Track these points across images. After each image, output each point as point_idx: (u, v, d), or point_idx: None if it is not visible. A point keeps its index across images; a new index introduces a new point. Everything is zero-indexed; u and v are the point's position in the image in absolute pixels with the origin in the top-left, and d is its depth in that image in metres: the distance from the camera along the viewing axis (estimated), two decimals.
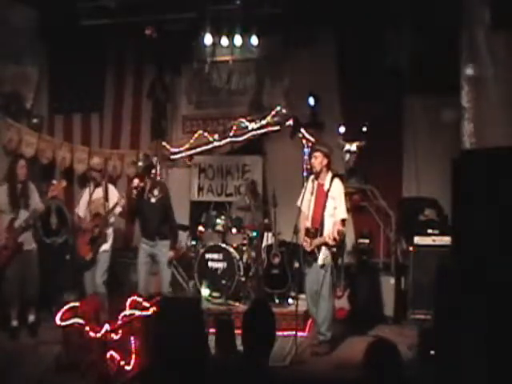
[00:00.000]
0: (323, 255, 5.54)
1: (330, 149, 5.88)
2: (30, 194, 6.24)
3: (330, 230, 5.47)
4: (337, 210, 5.58)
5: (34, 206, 6.18)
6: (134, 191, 6.20)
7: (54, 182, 6.42)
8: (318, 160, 5.66)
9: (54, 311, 5.47)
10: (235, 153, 8.19)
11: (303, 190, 5.79)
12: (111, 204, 6.27)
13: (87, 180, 6.65)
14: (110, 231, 6.34)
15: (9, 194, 6.17)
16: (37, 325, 6.26)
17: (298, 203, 5.77)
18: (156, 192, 6.27)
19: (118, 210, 6.31)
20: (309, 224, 5.65)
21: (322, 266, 5.53)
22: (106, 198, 6.28)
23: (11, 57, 7.97)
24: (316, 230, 5.57)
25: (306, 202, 5.71)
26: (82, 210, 6.39)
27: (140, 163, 6.52)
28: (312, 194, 5.70)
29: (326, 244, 5.48)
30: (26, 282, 6.19)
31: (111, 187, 6.49)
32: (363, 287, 6.79)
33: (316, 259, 5.56)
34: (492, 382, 3.33)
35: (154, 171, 6.70)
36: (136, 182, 6.20)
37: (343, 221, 5.58)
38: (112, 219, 6.35)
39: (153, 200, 6.24)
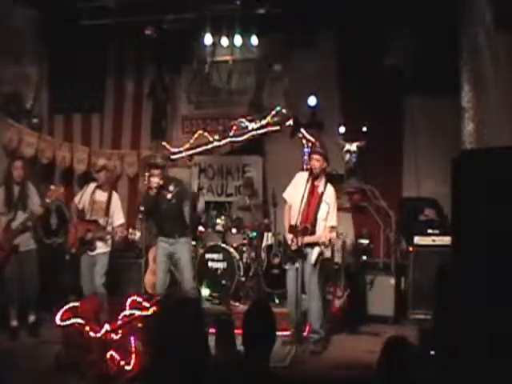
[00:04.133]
0: (316, 254, 5.61)
1: (326, 151, 5.93)
2: (28, 195, 6.20)
3: (321, 231, 5.56)
4: (329, 215, 5.66)
5: (32, 207, 6.14)
6: (153, 190, 6.02)
7: (52, 187, 6.29)
8: (319, 163, 5.74)
9: (54, 311, 5.47)
10: (235, 153, 8.19)
11: (292, 183, 5.86)
12: (116, 220, 6.24)
13: (88, 180, 6.65)
14: (107, 237, 6.31)
15: (5, 196, 6.14)
16: (37, 325, 6.26)
17: (285, 196, 5.83)
18: (171, 188, 6.10)
19: (119, 234, 6.24)
20: (296, 221, 5.64)
21: (314, 264, 5.61)
22: (107, 211, 6.23)
23: (11, 57, 7.97)
24: (306, 229, 5.61)
25: (295, 196, 5.75)
26: (83, 202, 6.29)
27: (159, 160, 6.30)
28: (304, 191, 5.69)
29: (316, 244, 5.57)
30: (25, 282, 6.19)
31: (115, 197, 6.38)
32: (363, 287, 6.79)
33: (304, 257, 5.59)
34: (492, 383, 3.32)
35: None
36: (156, 180, 5.99)
37: (332, 228, 5.60)
38: (108, 237, 6.26)
39: (169, 196, 6.07)
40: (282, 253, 5.79)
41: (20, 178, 6.18)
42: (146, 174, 6.23)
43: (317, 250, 5.62)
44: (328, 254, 6.09)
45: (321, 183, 5.77)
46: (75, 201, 6.35)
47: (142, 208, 6.18)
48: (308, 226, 5.62)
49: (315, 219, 5.63)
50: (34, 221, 6.27)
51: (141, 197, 6.23)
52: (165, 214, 6.15)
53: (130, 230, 6.22)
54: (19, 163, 6.26)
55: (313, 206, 5.68)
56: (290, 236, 5.67)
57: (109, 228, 6.21)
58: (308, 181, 5.77)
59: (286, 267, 5.76)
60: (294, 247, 5.61)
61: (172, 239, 6.14)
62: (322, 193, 5.71)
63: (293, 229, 5.63)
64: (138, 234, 6.23)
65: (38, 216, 6.33)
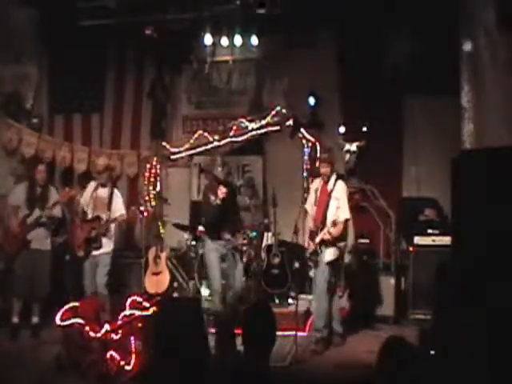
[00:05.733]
0: (330, 252, 5.63)
1: (333, 154, 5.94)
2: (49, 197, 6.32)
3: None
4: (339, 209, 5.65)
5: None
6: (220, 198, 5.96)
7: (67, 189, 6.49)
8: (328, 168, 5.78)
9: (54, 311, 5.47)
10: (235, 153, 8.19)
11: (309, 192, 5.91)
12: (117, 212, 6.28)
13: (88, 180, 6.66)
14: (111, 233, 6.34)
15: (27, 196, 6.29)
16: (40, 326, 6.25)
17: (306, 206, 5.93)
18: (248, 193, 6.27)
19: (122, 218, 6.37)
20: (312, 225, 5.78)
21: (329, 262, 5.63)
22: (109, 206, 6.28)
23: (11, 57, 7.97)
24: (317, 229, 5.67)
25: (310, 203, 5.86)
26: (85, 201, 6.33)
27: (219, 168, 6.29)
28: (316, 195, 5.79)
29: (324, 240, 5.58)
30: (35, 282, 6.20)
31: (116, 192, 6.46)
32: (363, 287, 6.79)
33: (318, 258, 5.63)
34: (493, 382, 3.32)
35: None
36: (224, 190, 5.92)
37: (346, 221, 5.65)
38: (112, 225, 6.34)
39: (244, 202, 6.24)
40: (306, 259, 5.88)
41: (42, 180, 6.37)
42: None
43: (331, 250, 5.64)
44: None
45: (329, 181, 5.80)
46: (81, 202, 6.39)
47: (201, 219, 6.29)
48: (319, 226, 5.67)
49: (325, 217, 5.66)
50: (51, 221, 6.37)
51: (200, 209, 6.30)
52: (221, 218, 6.08)
53: (133, 208, 6.39)
54: (42, 167, 6.47)
55: (322, 206, 5.72)
56: (307, 241, 5.79)
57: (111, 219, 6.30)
58: (318, 185, 5.86)
59: (311, 272, 5.90)
60: (310, 250, 5.71)
61: (225, 242, 6.16)
62: (332, 190, 5.74)
63: (310, 233, 5.75)
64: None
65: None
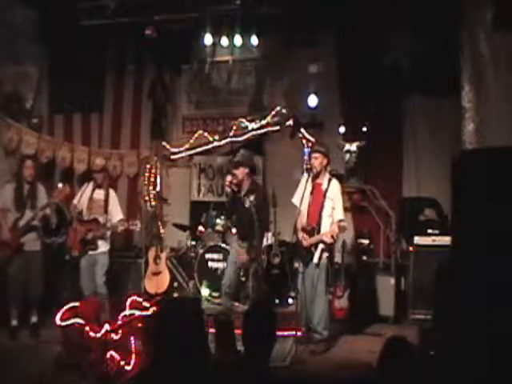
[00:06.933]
0: (319, 254, 5.59)
1: (327, 148, 5.94)
2: (37, 195, 6.24)
3: (327, 228, 5.53)
4: (335, 210, 5.63)
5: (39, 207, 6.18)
6: (228, 189, 6.24)
7: (59, 186, 6.40)
8: (319, 160, 5.72)
9: (54, 311, 5.47)
10: (235, 153, 8.18)
11: (299, 188, 5.83)
12: (115, 217, 6.27)
13: (88, 180, 6.66)
14: (107, 234, 6.34)
15: (15, 194, 6.18)
16: (38, 326, 6.25)
17: (294, 200, 5.82)
18: (252, 198, 6.13)
19: (121, 228, 6.34)
20: (305, 222, 5.69)
21: (318, 264, 5.58)
22: (105, 208, 6.27)
23: (11, 57, 7.97)
24: (313, 229, 5.63)
25: (298, 198, 5.76)
26: (81, 203, 6.32)
27: (237, 158, 6.42)
28: (309, 193, 5.72)
29: (323, 242, 5.54)
30: (29, 283, 6.18)
31: (112, 194, 6.46)
32: (363, 287, 6.79)
33: (312, 257, 5.60)
34: (493, 382, 3.32)
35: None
36: (229, 179, 6.21)
37: (340, 221, 5.61)
38: (108, 232, 6.33)
39: (247, 205, 6.08)
40: (299, 255, 5.80)
41: (30, 177, 6.23)
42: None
43: (319, 249, 5.60)
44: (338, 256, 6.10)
45: (324, 180, 5.75)
46: (74, 202, 6.36)
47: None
48: (314, 225, 5.62)
49: (320, 217, 5.63)
50: (39, 220, 6.30)
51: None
52: (241, 219, 6.27)
53: (131, 222, 6.30)
54: (30, 162, 6.32)
55: (317, 205, 5.68)
56: (303, 235, 5.69)
57: (108, 225, 6.27)
58: (308, 181, 5.78)
59: (302, 270, 5.73)
60: (305, 244, 5.63)
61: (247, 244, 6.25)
62: (326, 189, 5.69)
63: (303, 229, 5.68)
64: (139, 225, 6.27)
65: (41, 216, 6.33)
